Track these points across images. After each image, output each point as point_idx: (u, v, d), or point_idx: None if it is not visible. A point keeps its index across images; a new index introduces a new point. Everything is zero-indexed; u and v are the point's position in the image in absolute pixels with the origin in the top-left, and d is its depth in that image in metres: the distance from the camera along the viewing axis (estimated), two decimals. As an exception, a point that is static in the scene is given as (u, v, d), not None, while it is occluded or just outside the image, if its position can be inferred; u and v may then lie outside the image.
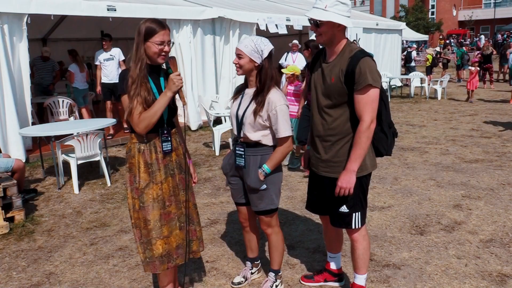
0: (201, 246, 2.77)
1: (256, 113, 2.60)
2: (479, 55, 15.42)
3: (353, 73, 2.37)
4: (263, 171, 2.66)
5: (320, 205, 2.80)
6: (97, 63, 8.01)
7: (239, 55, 2.60)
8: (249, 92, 2.71)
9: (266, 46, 2.59)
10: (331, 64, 2.50)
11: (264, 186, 2.70)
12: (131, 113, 2.38)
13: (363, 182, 2.59)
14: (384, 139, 2.61)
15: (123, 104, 2.45)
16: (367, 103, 2.38)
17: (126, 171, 2.55)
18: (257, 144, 2.68)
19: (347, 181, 2.45)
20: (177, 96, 2.48)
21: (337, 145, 2.55)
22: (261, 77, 2.61)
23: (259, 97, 2.61)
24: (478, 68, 12.85)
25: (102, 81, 8.02)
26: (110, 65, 7.93)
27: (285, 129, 2.60)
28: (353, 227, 2.64)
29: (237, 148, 2.74)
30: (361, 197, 2.61)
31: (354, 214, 2.61)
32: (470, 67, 12.74)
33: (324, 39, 2.46)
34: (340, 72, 2.43)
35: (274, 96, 2.60)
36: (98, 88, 8.14)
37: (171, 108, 2.54)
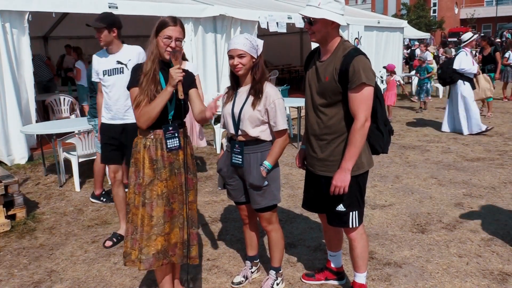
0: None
1: (254, 105, 2.61)
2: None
3: (346, 71, 2.37)
4: (265, 167, 2.68)
5: (316, 203, 2.80)
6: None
7: (241, 55, 2.57)
8: (243, 90, 2.71)
9: (259, 41, 2.64)
10: (325, 63, 2.50)
11: (266, 183, 2.71)
12: (138, 107, 2.38)
13: (359, 180, 2.58)
14: (380, 137, 2.61)
15: (130, 96, 2.45)
16: (361, 102, 2.38)
17: (131, 166, 2.53)
18: (256, 141, 2.69)
19: (341, 180, 2.45)
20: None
21: (332, 144, 2.55)
22: (257, 71, 2.63)
23: (256, 88, 2.62)
24: (398, 79, 9.66)
25: None
26: None
27: (283, 122, 2.65)
28: (350, 226, 2.64)
29: (234, 147, 2.74)
30: (358, 195, 2.60)
31: (351, 213, 2.61)
32: (387, 76, 9.37)
33: (318, 37, 2.47)
34: (334, 70, 2.43)
35: (271, 90, 2.64)
36: None
37: (180, 106, 2.50)
